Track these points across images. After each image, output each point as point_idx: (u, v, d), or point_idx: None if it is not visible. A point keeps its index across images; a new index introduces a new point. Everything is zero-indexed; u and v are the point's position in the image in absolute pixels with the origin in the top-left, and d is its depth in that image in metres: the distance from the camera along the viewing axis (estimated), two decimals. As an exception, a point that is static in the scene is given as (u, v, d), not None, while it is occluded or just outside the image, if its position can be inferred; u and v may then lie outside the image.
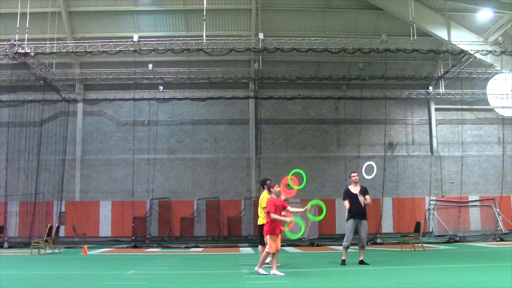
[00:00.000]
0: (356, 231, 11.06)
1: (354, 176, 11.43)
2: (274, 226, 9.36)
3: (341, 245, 12.24)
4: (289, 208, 9.83)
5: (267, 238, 9.38)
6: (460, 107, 26.00)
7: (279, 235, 9.47)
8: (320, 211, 10.43)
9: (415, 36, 20.81)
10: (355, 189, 11.26)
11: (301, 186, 11.31)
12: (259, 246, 10.80)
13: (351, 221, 11.09)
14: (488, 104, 26.57)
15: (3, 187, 22.80)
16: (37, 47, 20.56)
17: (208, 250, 18.31)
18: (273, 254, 9.35)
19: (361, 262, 11.06)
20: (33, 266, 12.74)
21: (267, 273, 9.37)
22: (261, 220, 10.48)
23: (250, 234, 24.56)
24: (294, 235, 10.83)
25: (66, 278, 9.92)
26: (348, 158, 25.63)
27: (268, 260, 9.82)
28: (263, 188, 10.78)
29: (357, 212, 11.10)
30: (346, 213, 11.26)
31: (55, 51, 20.84)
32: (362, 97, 25.36)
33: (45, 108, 24.18)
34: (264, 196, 10.51)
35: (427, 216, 25.61)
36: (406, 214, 25.11)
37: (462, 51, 22.59)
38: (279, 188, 10.07)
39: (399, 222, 25.28)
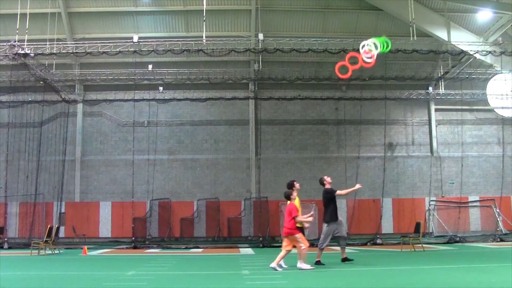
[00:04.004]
0: None
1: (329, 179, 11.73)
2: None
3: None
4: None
5: (299, 237, 10.19)
6: (460, 107, 26.01)
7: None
8: None
9: (415, 36, 20.81)
10: None
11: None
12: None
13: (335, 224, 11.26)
14: (488, 104, 26.56)
15: (3, 188, 22.82)
16: (37, 48, 20.59)
17: (208, 251, 18.31)
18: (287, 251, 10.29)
19: (318, 263, 11.19)
20: (33, 267, 12.72)
21: (313, 267, 10.39)
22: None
23: (250, 235, 24.56)
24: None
25: (66, 279, 9.92)
26: (348, 159, 25.65)
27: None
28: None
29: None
30: (328, 216, 11.38)
31: (55, 52, 20.89)
32: (362, 97, 25.36)
33: (45, 109, 24.21)
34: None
35: (427, 217, 25.60)
36: (406, 214, 25.07)
37: (462, 51, 22.61)
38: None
39: (399, 222, 25.24)
